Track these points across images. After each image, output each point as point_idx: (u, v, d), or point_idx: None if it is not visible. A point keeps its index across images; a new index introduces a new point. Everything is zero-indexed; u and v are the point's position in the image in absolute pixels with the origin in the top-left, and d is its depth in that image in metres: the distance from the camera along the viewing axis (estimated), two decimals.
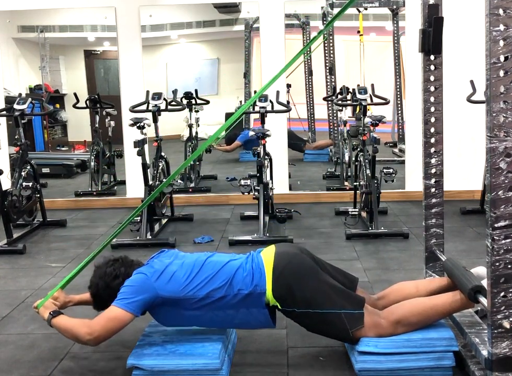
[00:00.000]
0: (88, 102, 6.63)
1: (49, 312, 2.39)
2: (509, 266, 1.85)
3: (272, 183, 5.05)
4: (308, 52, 4.67)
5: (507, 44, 1.75)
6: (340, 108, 6.39)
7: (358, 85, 5.23)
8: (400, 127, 7.29)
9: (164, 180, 4.84)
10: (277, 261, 2.37)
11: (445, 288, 2.47)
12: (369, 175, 4.57)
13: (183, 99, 6.43)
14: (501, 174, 1.81)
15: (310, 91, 7.58)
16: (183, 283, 2.34)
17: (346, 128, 6.43)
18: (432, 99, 2.66)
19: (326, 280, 2.36)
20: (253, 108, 4.95)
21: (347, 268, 2.74)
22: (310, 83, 7.57)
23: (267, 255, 2.42)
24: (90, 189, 6.32)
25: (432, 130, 2.68)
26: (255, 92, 5.41)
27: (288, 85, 6.22)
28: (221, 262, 2.42)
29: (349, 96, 5.55)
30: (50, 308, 2.42)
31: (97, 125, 6.61)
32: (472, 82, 4.88)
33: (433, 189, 2.73)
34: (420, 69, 2.67)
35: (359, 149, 5.06)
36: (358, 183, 4.96)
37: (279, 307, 2.33)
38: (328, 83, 7.08)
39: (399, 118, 7.27)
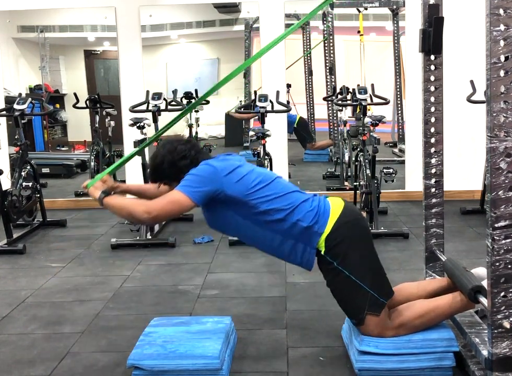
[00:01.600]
0: (88, 102, 6.62)
1: (101, 191, 2.35)
2: (509, 266, 1.85)
3: None
4: (308, 51, 4.67)
5: (507, 44, 1.75)
6: (340, 108, 6.39)
7: (358, 85, 5.23)
8: (400, 127, 7.29)
9: None
10: (345, 212, 2.36)
11: (445, 288, 2.47)
12: (369, 175, 4.57)
13: (183, 99, 6.43)
14: (502, 174, 1.81)
15: (310, 91, 7.58)
16: (251, 189, 2.30)
17: (346, 128, 6.42)
18: (432, 99, 2.66)
19: (375, 256, 2.38)
20: (253, 108, 4.95)
21: None
22: (310, 83, 7.57)
23: (336, 203, 2.40)
24: None
25: (433, 130, 2.68)
26: (255, 92, 5.41)
27: (288, 85, 6.22)
28: (290, 187, 2.41)
29: (349, 96, 5.55)
30: (101, 188, 2.39)
31: (97, 125, 6.60)
32: (472, 82, 4.88)
33: (433, 189, 2.73)
34: (420, 69, 2.67)
35: (359, 149, 5.06)
36: (358, 183, 4.95)
37: (323, 253, 2.31)
38: (328, 83, 7.08)
39: (399, 118, 7.27)
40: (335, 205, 2.38)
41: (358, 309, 2.30)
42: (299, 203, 2.34)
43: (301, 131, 7.19)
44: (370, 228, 4.47)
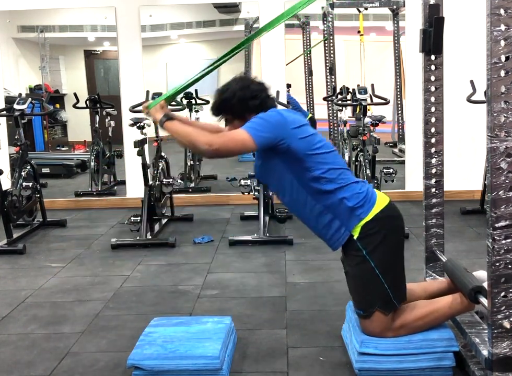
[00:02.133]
0: (88, 102, 6.63)
1: (164, 114, 2.33)
2: (510, 266, 1.85)
3: None
4: (308, 49, 4.64)
5: (507, 44, 1.74)
6: (340, 108, 6.39)
7: (358, 85, 5.23)
8: (400, 127, 7.29)
9: (164, 180, 4.84)
10: (390, 207, 2.36)
11: (445, 290, 2.47)
12: (369, 175, 4.57)
13: (183, 99, 6.43)
14: (502, 174, 1.81)
15: (310, 91, 7.58)
16: (313, 149, 2.28)
17: (346, 128, 6.43)
18: (432, 99, 2.66)
19: (402, 259, 2.39)
20: None
21: None
22: (310, 83, 7.56)
23: (382, 196, 2.39)
24: (90, 189, 6.32)
25: (433, 130, 2.68)
26: None
27: (288, 85, 6.22)
28: (345, 164, 2.40)
29: (349, 96, 5.55)
30: (164, 111, 2.36)
31: (97, 125, 6.61)
32: (471, 82, 4.88)
33: (433, 189, 2.73)
34: (420, 69, 2.67)
35: (359, 149, 5.06)
36: None
37: (355, 238, 2.29)
38: (328, 83, 7.08)
39: (399, 118, 7.27)
40: (381, 197, 2.37)
41: (370, 302, 2.30)
42: (350, 183, 2.32)
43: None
44: None
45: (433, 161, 2.71)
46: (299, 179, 2.30)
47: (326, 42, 6.97)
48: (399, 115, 7.27)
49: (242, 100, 2.34)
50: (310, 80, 7.57)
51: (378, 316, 2.29)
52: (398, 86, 7.19)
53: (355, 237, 2.30)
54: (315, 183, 2.29)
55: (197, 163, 6.66)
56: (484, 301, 2.11)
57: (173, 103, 5.24)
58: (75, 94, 6.76)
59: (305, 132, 2.30)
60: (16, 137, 4.82)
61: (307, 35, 7.75)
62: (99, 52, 8.19)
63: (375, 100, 5.21)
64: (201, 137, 2.23)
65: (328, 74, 7.05)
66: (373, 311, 2.29)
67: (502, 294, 1.87)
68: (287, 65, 5.89)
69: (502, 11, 1.73)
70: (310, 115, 7.31)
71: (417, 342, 2.29)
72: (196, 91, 6.61)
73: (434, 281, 2.63)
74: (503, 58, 1.75)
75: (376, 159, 4.55)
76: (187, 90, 6.86)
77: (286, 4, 5.76)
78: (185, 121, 2.59)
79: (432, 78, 2.64)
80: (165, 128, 2.33)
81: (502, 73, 1.76)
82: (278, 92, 4.96)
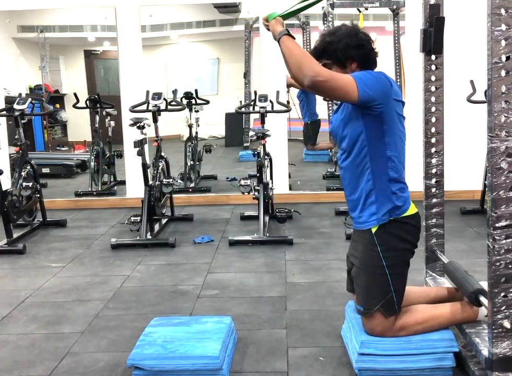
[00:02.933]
0: (88, 102, 6.63)
1: (285, 29, 2.26)
2: (510, 266, 1.85)
3: (272, 183, 5.05)
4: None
5: (508, 44, 1.75)
6: None
7: None
8: None
9: (164, 180, 4.84)
10: (418, 217, 2.37)
11: (447, 297, 2.48)
12: None
13: (183, 99, 6.43)
14: (502, 174, 1.81)
15: None
16: (398, 130, 2.32)
17: None
18: (433, 99, 2.66)
19: (407, 271, 2.38)
20: (253, 108, 4.95)
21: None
22: None
23: (413, 205, 2.40)
24: (90, 189, 6.32)
25: (433, 130, 2.68)
26: (255, 92, 5.40)
27: (288, 85, 6.22)
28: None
29: None
30: (283, 26, 2.30)
31: (97, 125, 6.61)
32: (472, 82, 4.88)
33: (433, 189, 2.73)
34: (421, 69, 2.67)
35: None
36: None
37: (374, 231, 2.29)
38: None
39: None
40: (413, 206, 2.38)
41: (374, 300, 2.29)
42: (404, 182, 2.38)
43: (312, 129, 7.18)
44: None
45: (433, 161, 2.71)
46: (370, 148, 2.29)
47: None
48: None
49: (348, 46, 2.30)
50: None
51: (379, 316, 2.29)
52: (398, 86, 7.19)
53: (374, 231, 2.30)
54: (384, 161, 2.30)
55: (197, 163, 6.66)
56: (485, 302, 2.11)
57: (173, 103, 5.26)
58: (75, 94, 6.77)
59: (401, 109, 2.33)
60: (16, 137, 4.82)
61: (308, 35, 7.76)
62: (99, 52, 8.20)
63: None
64: (312, 63, 2.15)
65: None
66: (374, 310, 2.29)
67: (502, 294, 1.87)
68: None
69: (503, 11, 1.73)
70: (319, 117, 7.31)
71: (417, 342, 2.29)
72: (196, 91, 6.61)
73: (438, 288, 2.63)
74: (503, 58, 1.75)
75: None
76: (187, 90, 6.85)
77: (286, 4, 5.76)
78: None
79: (433, 78, 2.64)
80: (281, 42, 2.24)
81: (503, 73, 1.76)
82: (278, 92, 4.96)
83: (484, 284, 2.45)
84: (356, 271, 2.38)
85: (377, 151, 2.29)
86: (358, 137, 2.29)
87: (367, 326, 2.33)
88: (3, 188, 4.45)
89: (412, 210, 2.35)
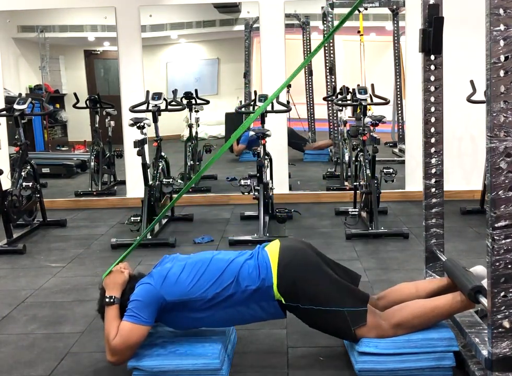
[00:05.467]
0: (88, 102, 6.63)
1: (111, 295, 2.37)
2: (509, 266, 1.85)
3: (272, 183, 5.05)
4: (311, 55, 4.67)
5: (507, 44, 1.74)
6: (340, 108, 6.39)
7: (358, 85, 5.23)
8: (400, 127, 7.28)
9: (164, 180, 4.84)
10: (282, 256, 2.36)
11: (444, 288, 2.47)
12: (369, 175, 4.57)
13: (183, 99, 6.43)
14: (502, 174, 1.81)
15: (310, 91, 7.57)
16: (189, 285, 2.32)
17: (346, 128, 6.42)
18: (432, 99, 2.66)
19: (330, 275, 2.35)
20: (253, 108, 4.95)
21: None
22: (310, 83, 7.56)
23: (272, 249, 2.42)
24: (90, 189, 6.32)
25: (433, 130, 2.68)
26: (255, 92, 5.40)
27: (288, 85, 6.22)
28: (226, 260, 2.40)
29: (349, 96, 5.55)
30: (114, 290, 2.39)
31: (97, 125, 6.61)
32: (471, 82, 4.88)
33: (433, 189, 2.73)
34: (420, 69, 2.67)
35: (359, 149, 5.06)
36: (358, 183, 4.95)
37: (283, 302, 2.31)
38: (328, 83, 7.07)
39: (399, 118, 7.26)
40: (272, 251, 2.40)
41: (345, 331, 2.31)
42: (239, 270, 2.34)
43: (292, 140, 7.17)
44: (370, 228, 4.48)
45: (433, 161, 2.70)
46: (204, 309, 2.33)
47: (326, 42, 6.96)
48: (399, 115, 7.26)
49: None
50: (310, 80, 7.56)
51: (361, 331, 2.29)
52: (398, 86, 7.18)
53: (283, 301, 2.32)
54: (216, 299, 2.32)
55: (197, 163, 6.66)
56: (483, 300, 2.11)
57: (173, 103, 5.26)
58: (75, 94, 6.76)
59: (173, 276, 2.36)
60: (16, 137, 4.82)
61: (308, 35, 7.75)
62: (99, 52, 8.19)
63: (375, 100, 5.21)
64: (111, 333, 2.27)
65: (328, 74, 7.05)
66: (354, 334, 2.30)
67: (502, 294, 1.87)
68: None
69: (501, 11, 1.73)
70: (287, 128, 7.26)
71: (417, 341, 2.29)
72: (196, 91, 6.61)
73: (434, 280, 2.62)
74: (502, 58, 1.75)
75: (376, 158, 4.55)
76: (187, 90, 6.86)
77: (286, 4, 5.77)
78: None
79: (432, 78, 2.64)
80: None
81: (502, 73, 1.76)
82: None
83: (481, 268, 2.45)
84: (314, 328, 2.41)
85: (207, 304, 2.33)
86: (193, 318, 2.37)
87: (365, 338, 2.32)
88: (3, 188, 4.45)
89: (273, 258, 2.37)
